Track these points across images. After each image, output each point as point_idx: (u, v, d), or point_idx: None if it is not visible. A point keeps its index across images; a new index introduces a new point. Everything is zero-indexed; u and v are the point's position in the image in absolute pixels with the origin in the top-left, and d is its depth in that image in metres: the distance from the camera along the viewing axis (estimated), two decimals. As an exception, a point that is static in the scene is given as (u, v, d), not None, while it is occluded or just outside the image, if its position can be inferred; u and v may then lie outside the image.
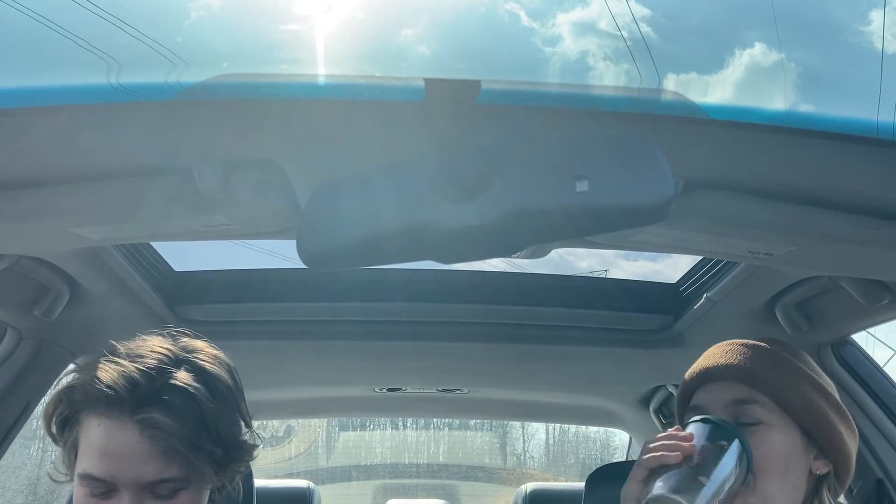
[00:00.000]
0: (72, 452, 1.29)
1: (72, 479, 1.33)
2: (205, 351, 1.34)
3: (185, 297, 2.32)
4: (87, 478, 1.23)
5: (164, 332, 1.37)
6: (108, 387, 1.21)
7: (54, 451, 1.38)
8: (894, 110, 1.10)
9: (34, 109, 1.12)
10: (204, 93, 1.10)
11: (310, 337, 2.42)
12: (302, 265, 1.18)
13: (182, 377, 1.26)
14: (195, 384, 1.26)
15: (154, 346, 1.30)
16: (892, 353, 9.45)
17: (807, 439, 1.34)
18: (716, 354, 1.44)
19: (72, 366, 1.29)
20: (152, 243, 2.16)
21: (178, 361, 1.29)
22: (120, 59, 1.08)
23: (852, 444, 1.38)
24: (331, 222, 1.15)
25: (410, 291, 2.39)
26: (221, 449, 1.28)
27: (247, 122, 1.19)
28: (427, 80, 1.05)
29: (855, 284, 1.79)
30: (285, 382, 2.94)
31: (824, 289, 1.93)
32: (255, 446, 1.39)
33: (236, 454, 1.33)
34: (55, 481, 1.35)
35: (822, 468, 1.35)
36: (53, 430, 1.31)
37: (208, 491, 1.34)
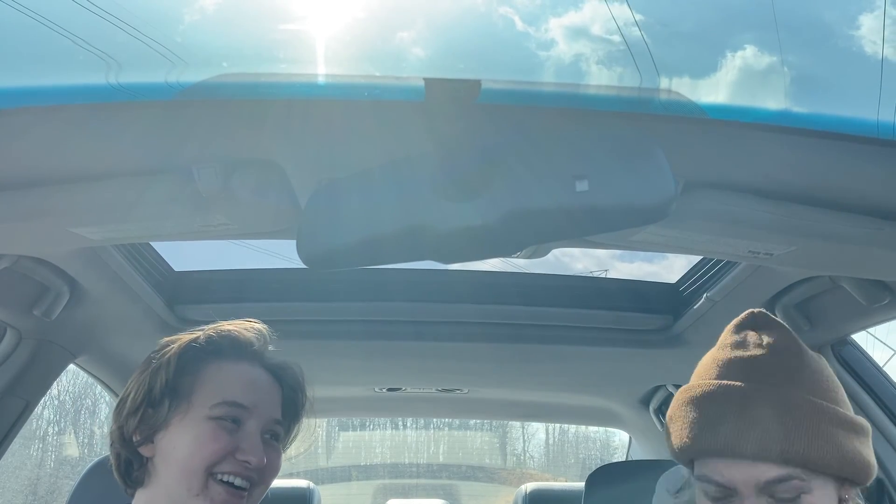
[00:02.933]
0: (184, 400, 1.34)
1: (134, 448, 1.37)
2: None
3: (185, 297, 2.32)
4: (229, 404, 1.34)
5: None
6: (247, 337, 1.42)
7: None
8: (894, 110, 1.10)
9: (34, 109, 1.12)
10: (204, 93, 1.10)
11: (310, 337, 2.42)
12: (302, 265, 1.18)
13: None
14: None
15: (249, 324, 1.48)
16: (892, 353, 9.45)
17: (841, 480, 1.26)
18: (738, 426, 1.20)
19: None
20: (152, 243, 2.16)
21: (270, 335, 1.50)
22: (120, 59, 1.08)
23: (872, 454, 1.32)
24: (331, 222, 1.15)
25: (410, 291, 2.39)
26: (301, 416, 1.50)
27: (247, 122, 1.19)
28: (427, 80, 1.05)
29: (855, 284, 1.79)
30: (285, 382, 2.94)
31: (824, 289, 1.93)
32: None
33: (297, 429, 1.52)
34: (118, 453, 1.38)
35: (850, 491, 1.29)
36: (168, 380, 1.35)
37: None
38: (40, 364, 2.10)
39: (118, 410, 1.38)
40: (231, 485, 1.31)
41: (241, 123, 1.20)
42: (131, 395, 1.36)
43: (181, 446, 1.32)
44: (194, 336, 1.41)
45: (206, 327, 1.44)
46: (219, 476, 1.31)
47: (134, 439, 1.35)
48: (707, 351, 1.44)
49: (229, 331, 1.43)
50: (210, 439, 1.31)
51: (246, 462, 1.32)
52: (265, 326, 1.50)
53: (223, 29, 1.16)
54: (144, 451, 1.35)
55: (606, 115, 1.17)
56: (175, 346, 1.38)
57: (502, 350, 2.52)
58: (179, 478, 1.31)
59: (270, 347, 1.47)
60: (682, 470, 1.38)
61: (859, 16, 1.21)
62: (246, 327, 1.46)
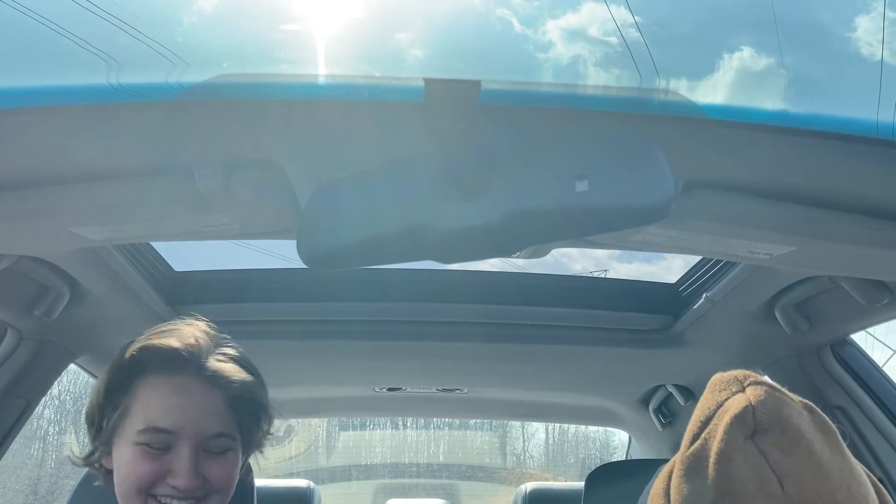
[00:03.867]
0: (119, 421, 1.33)
1: (89, 461, 1.39)
2: (228, 339, 1.46)
3: (185, 297, 2.32)
4: (152, 430, 1.30)
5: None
6: (174, 348, 1.33)
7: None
8: (894, 110, 1.10)
9: (34, 109, 1.12)
10: (204, 93, 1.10)
11: (310, 337, 2.43)
12: (302, 265, 1.18)
13: (227, 350, 1.40)
14: (238, 355, 1.40)
15: (192, 327, 1.41)
16: (892, 352, 9.45)
17: None
18: None
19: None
20: (152, 243, 2.16)
21: (219, 338, 1.42)
22: (120, 59, 1.08)
23: None
24: (331, 222, 1.15)
25: (410, 291, 2.39)
26: (265, 415, 1.41)
27: (247, 122, 1.19)
28: (427, 80, 1.05)
29: (855, 284, 1.79)
30: (285, 382, 2.95)
31: (824, 289, 1.93)
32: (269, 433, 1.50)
33: (268, 426, 1.44)
34: (76, 465, 1.41)
35: None
36: (102, 399, 1.35)
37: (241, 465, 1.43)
38: (41, 364, 2.10)
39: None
40: None
41: (241, 123, 1.20)
42: (88, 406, 1.37)
43: (118, 467, 1.33)
44: (126, 350, 1.36)
45: (142, 338, 1.38)
46: (158, 497, 1.30)
47: (95, 453, 1.36)
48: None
49: (153, 344, 1.35)
50: (137, 465, 1.30)
51: (175, 487, 1.29)
52: (210, 327, 1.43)
53: (223, 29, 1.16)
54: (106, 462, 1.36)
55: (606, 116, 1.17)
56: (115, 358, 1.36)
57: (502, 350, 2.52)
58: (121, 497, 1.32)
59: (223, 348, 1.39)
60: None
61: (859, 16, 1.21)
62: (178, 335, 1.37)
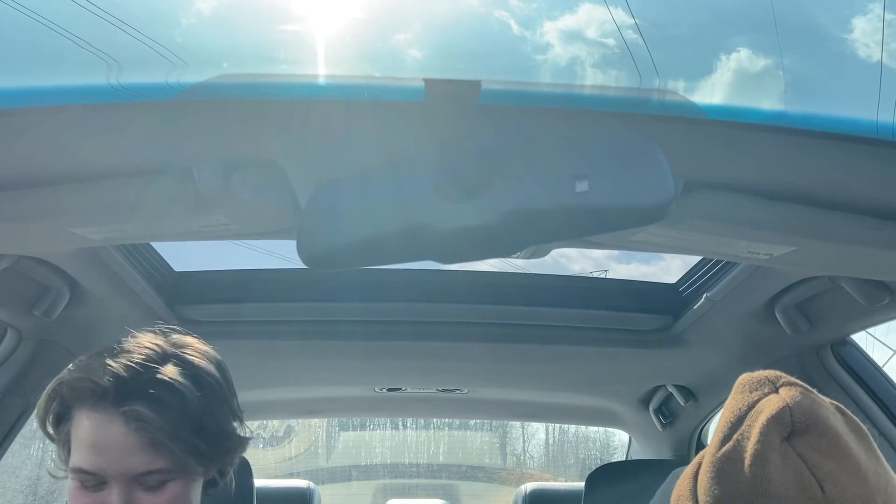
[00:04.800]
0: (65, 448, 1.31)
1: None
2: (194, 346, 1.37)
3: (185, 297, 2.32)
4: (78, 471, 1.26)
5: (157, 328, 1.40)
6: (94, 381, 1.24)
7: (54, 451, 1.40)
8: (894, 110, 1.10)
9: (34, 109, 1.12)
10: (204, 93, 1.10)
11: (310, 337, 2.43)
12: (302, 265, 1.18)
13: (168, 371, 1.29)
14: (181, 378, 1.29)
15: (144, 342, 1.32)
16: (892, 353, 9.45)
17: None
18: None
19: (70, 365, 1.32)
20: (152, 243, 2.16)
21: (165, 356, 1.31)
22: (120, 59, 1.08)
23: None
24: (331, 222, 1.15)
25: (410, 291, 2.39)
26: (207, 442, 1.30)
27: (247, 122, 1.19)
28: (427, 81, 1.05)
29: (855, 284, 1.79)
30: (285, 382, 2.95)
31: (824, 289, 1.93)
32: (246, 439, 1.41)
33: (225, 447, 1.35)
34: (55, 477, 1.38)
35: None
36: (49, 427, 1.34)
37: (200, 483, 1.36)
38: (41, 364, 2.10)
39: None
40: None
41: (241, 124, 1.20)
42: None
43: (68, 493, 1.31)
44: (64, 378, 1.30)
45: (84, 358, 1.33)
46: None
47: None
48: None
49: (76, 376, 1.27)
50: (75, 498, 1.28)
51: None
52: (161, 339, 1.33)
53: (223, 29, 1.16)
54: None
55: (606, 116, 1.17)
56: (49, 387, 1.32)
57: (502, 350, 2.52)
58: None
59: (165, 366, 1.29)
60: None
61: (860, 17, 1.21)
62: (108, 361, 1.27)
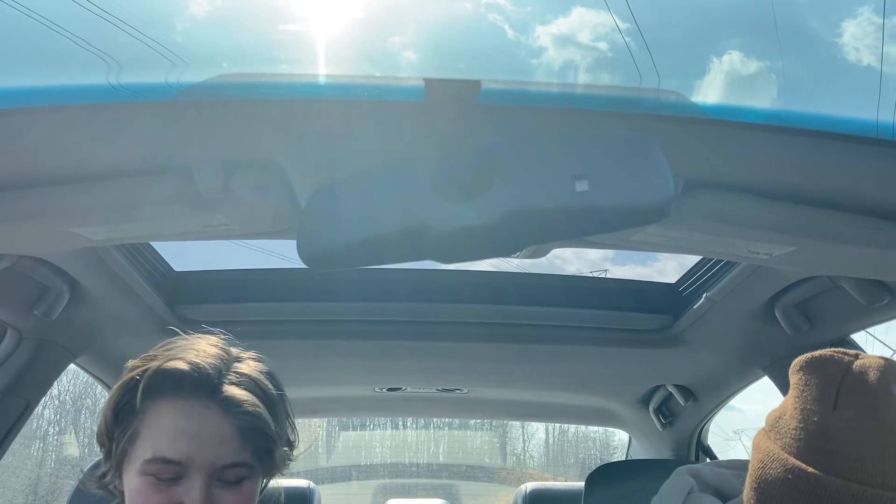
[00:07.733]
0: (128, 445, 1.25)
1: (103, 483, 1.31)
2: (248, 352, 1.38)
3: (185, 297, 2.32)
4: (159, 461, 1.21)
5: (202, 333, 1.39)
6: (182, 370, 1.23)
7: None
8: (893, 110, 1.10)
9: (34, 109, 1.12)
10: (204, 93, 1.10)
11: (310, 337, 2.43)
12: (302, 265, 1.18)
13: (247, 367, 1.32)
14: (258, 375, 1.32)
15: (202, 343, 1.32)
16: (892, 352, 9.46)
17: None
18: None
19: (128, 363, 1.27)
20: (152, 243, 2.16)
21: (232, 355, 1.33)
22: (120, 60, 1.08)
23: None
24: (331, 222, 1.15)
25: (410, 291, 2.39)
26: (279, 443, 1.32)
27: (247, 122, 1.19)
28: (427, 80, 1.05)
29: (855, 284, 1.79)
30: (285, 382, 2.94)
31: (824, 289, 1.93)
32: (294, 447, 1.42)
33: (286, 452, 1.37)
34: (84, 489, 1.32)
35: None
36: (110, 422, 1.28)
37: (259, 490, 1.34)
38: (41, 364, 2.10)
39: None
40: None
41: (241, 123, 1.20)
42: (98, 426, 1.30)
43: (128, 495, 1.25)
44: (133, 368, 1.28)
45: (151, 353, 1.30)
46: None
47: (108, 475, 1.29)
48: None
49: (160, 366, 1.25)
50: (145, 497, 1.22)
51: None
52: (225, 342, 1.34)
53: (223, 29, 1.16)
54: (120, 485, 1.28)
55: (606, 115, 1.17)
56: (123, 376, 1.28)
57: (502, 350, 2.52)
58: None
59: (240, 365, 1.31)
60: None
61: (860, 17, 1.21)
62: (189, 354, 1.27)
